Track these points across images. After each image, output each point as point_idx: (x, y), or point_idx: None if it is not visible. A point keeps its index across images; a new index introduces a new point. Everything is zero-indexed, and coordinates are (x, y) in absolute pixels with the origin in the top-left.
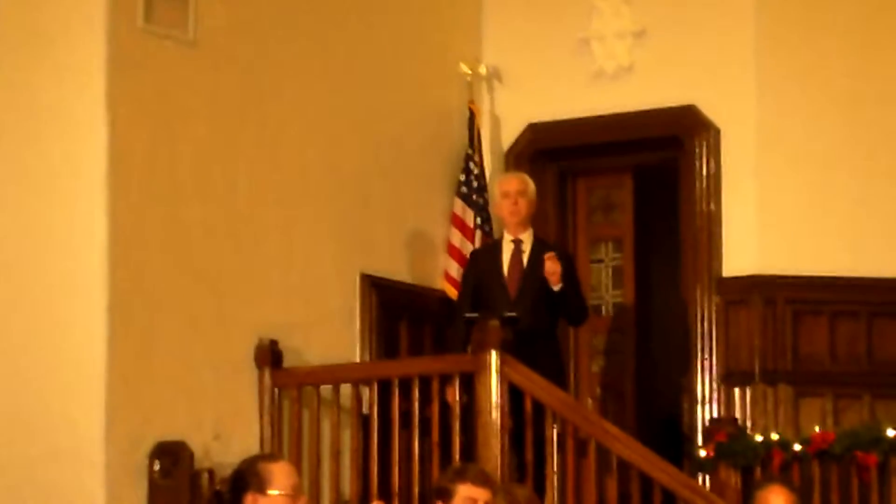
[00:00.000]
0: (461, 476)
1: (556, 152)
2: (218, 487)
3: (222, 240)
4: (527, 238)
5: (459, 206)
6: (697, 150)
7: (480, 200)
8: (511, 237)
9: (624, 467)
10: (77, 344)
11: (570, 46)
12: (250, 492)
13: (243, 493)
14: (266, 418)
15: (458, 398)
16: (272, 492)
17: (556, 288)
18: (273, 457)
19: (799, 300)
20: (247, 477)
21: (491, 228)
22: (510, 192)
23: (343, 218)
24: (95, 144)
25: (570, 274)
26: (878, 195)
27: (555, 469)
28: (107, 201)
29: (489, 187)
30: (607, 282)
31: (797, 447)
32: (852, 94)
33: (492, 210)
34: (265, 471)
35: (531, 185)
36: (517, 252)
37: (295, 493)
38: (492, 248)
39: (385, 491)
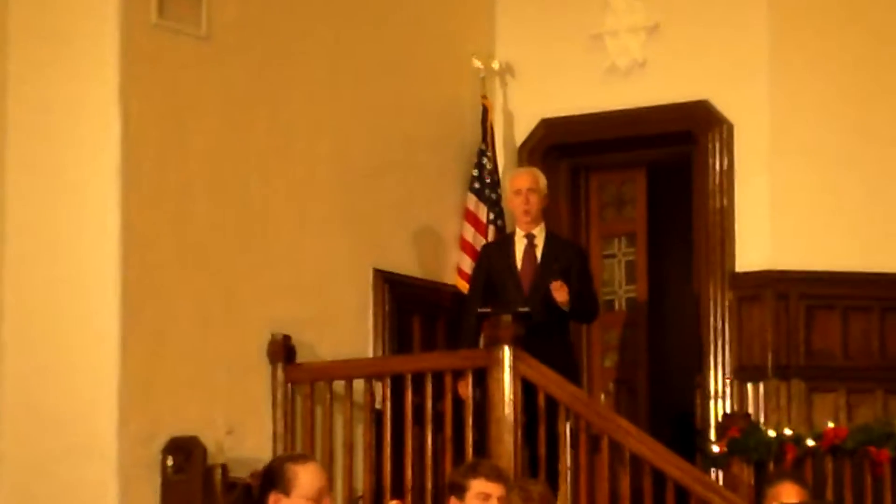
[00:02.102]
0: (474, 471)
1: (569, 148)
2: (249, 480)
3: (234, 235)
4: (539, 233)
5: (472, 202)
6: (710, 146)
7: (493, 196)
8: (523, 232)
9: (637, 462)
10: (90, 340)
11: (583, 42)
12: (274, 491)
13: (268, 491)
14: (279, 414)
15: (470, 392)
16: (296, 495)
17: (566, 308)
18: (303, 458)
19: (812, 295)
20: (273, 476)
21: (504, 224)
22: (521, 189)
23: (355, 213)
24: (108, 139)
25: (583, 271)
26: (891, 190)
27: (568, 464)
28: (119, 196)
29: (502, 182)
30: (620, 277)
31: (810, 442)
32: (865, 90)
33: (504, 205)
34: (291, 472)
35: (542, 181)
36: (530, 247)
37: (318, 497)
38: (503, 242)
39: (398, 486)
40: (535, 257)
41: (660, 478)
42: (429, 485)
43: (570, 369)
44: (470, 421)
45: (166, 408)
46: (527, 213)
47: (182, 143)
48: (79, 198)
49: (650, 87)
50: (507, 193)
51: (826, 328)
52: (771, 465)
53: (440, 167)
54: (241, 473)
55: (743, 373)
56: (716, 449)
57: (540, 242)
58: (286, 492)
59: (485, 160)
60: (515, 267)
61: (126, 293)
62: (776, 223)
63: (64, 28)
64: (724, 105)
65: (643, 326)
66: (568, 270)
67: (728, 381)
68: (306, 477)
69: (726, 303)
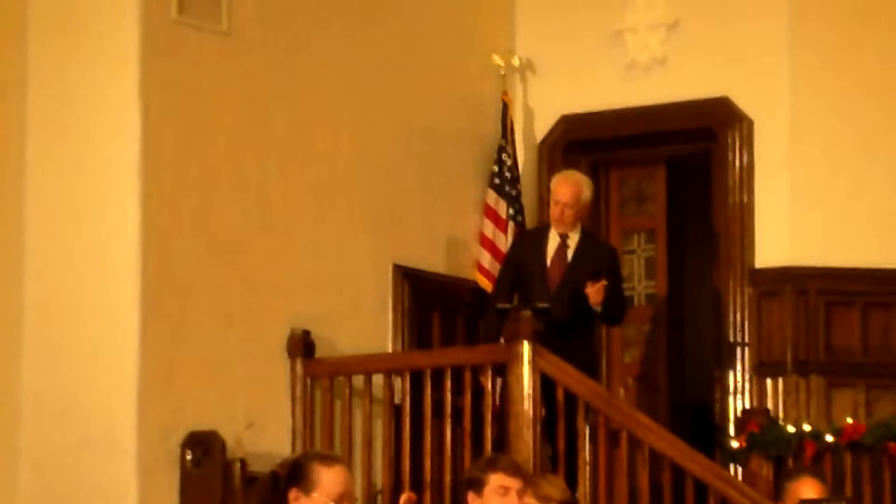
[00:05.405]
0: (492, 466)
1: (589, 144)
2: (278, 469)
3: (255, 229)
4: (574, 234)
5: (492, 198)
6: (730, 142)
7: (513, 192)
8: (558, 231)
9: (656, 458)
10: (110, 333)
11: (603, 38)
12: (295, 488)
13: (290, 486)
14: (298, 408)
15: (490, 386)
16: (315, 495)
17: (598, 310)
18: (331, 459)
19: (831, 291)
20: (298, 472)
21: (524, 220)
22: (559, 201)
23: (375, 208)
24: (129, 134)
25: (614, 271)
26: None
27: (587, 460)
28: (139, 191)
29: (539, 178)
30: (640, 273)
31: (829, 438)
32: (885, 85)
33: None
34: (315, 472)
35: (585, 194)
36: (562, 247)
37: (339, 501)
38: (536, 235)
39: (417, 481)
40: (565, 257)
41: (679, 473)
42: (447, 480)
43: (589, 364)
44: (489, 416)
45: (186, 402)
46: (560, 223)
47: (202, 137)
48: (99, 192)
49: (670, 84)
50: (551, 193)
51: (845, 324)
52: (790, 461)
53: (460, 163)
54: (260, 468)
55: (762, 368)
56: (735, 444)
57: (573, 243)
58: (306, 491)
59: (505, 156)
60: (545, 263)
61: (146, 287)
62: (796, 219)
63: (84, 24)
64: (744, 101)
65: (663, 322)
66: (599, 272)
67: (747, 377)
68: (329, 479)
69: (746, 298)
